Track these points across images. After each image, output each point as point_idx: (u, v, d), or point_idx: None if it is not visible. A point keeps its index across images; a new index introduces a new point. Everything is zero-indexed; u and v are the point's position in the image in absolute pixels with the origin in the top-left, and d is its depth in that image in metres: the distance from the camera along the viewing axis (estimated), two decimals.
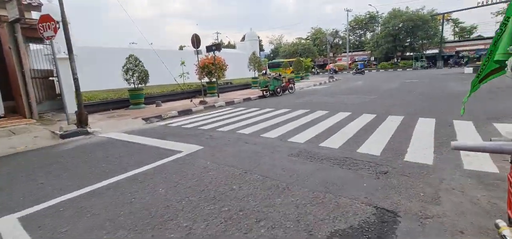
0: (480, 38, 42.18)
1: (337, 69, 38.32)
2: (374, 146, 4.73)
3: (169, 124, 8.55)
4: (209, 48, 12.84)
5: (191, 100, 12.13)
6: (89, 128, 8.06)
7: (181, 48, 35.34)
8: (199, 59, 13.73)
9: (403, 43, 41.77)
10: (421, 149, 4.43)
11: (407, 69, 36.97)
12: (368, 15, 49.90)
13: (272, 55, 63.40)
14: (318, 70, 39.79)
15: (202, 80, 14.58)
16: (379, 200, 2.86)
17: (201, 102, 12.44)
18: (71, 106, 8.95)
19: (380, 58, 43.77)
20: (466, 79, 16.32)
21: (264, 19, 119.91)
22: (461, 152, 4.11)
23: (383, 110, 8.05)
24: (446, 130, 5.48)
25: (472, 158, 3.83)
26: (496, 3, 34.08)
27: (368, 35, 52.65)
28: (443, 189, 3.02)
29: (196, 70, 14.23)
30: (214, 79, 15.32)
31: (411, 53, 41.74)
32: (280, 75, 14.72)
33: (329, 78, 24.61)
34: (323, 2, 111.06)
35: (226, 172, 3.93)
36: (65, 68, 8.99)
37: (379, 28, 45.95)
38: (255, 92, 16.42)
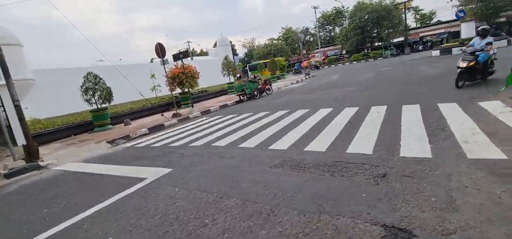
0: (440, 22, 44.71)
1: (319, 65, 38.66)
2: (364, 143, 4.25)
3: (136, 144, 7.63)
4: (176, 57, 11.98)
5: (162, 115, 11.20)
6: (41, 160, 6.96)
7: (152, 60, 33.85)
8: (168, 70, 12.84)
9: (371, 34, 43.01)
10: (414, 140, 4.00)
11: (378, 58, 38.03)
12: (334, 11, 51.13)
13: (246, 58, 62.99)
14: (300, 68, 39.76)
15: (173, 92, 13.66)
16: (386, 214, 2.32)
17: (174, 115, 11.55)
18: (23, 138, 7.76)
19: (351, 50, 44.77)
20: (435, 62, 16.74)
21: (235, 24, 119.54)
22: (458, 139, 3.73)
23: (365, 101, 7.72)
24: (434, 115, 5.16)
25: (472, 145, 3.45)
26: None
27: (337, 29, 53.88)
28: (455, 189, 2.54)
29: (166, 81, 13.30)
30: (187, 89, 14.43)
31: (380, 43, 43.13)
32: (255, 77, 14.16)
33: (306, 75, 24.51)
34: (290, 2, 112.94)
35: (198, 199, 3.23)
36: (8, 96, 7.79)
37: (347, 22, 47.11)
38: (232, 98, 15.74)
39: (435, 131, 4.25)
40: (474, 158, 3.11)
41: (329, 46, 53.88)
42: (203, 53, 61.10)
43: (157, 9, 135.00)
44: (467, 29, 23.14)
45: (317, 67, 37.29)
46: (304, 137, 5.20)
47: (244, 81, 13.86)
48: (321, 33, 54.16)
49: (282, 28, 55.12)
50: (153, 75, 17.42)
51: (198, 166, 4.54)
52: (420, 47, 40.00)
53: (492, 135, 3.63)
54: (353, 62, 38.24)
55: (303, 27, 53.65)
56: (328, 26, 55.59)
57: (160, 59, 11.43)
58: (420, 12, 51.97)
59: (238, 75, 16.66)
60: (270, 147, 4.89)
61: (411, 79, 10.82)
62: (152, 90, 16.97)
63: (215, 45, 51.40)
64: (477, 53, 7.03)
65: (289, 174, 3.54)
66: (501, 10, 31.77)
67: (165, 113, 12.39)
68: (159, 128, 9.89)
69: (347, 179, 3.12)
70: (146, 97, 13.13)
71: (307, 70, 25.39)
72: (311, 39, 53.88)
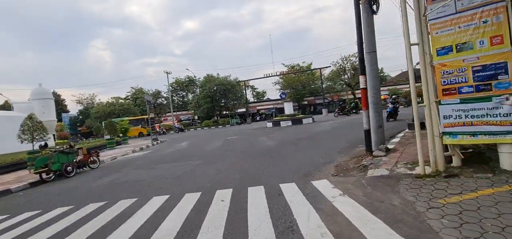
0: (269, 100, 56.94)
1: (183, 128, 39.45)
2: None
3: None
4: None
5: None
6: None
7: None
8: None
9: (219, 104, 47.23)
10: None
11: (226, 125, 41.45)
12: (187, 79, 53.38)
13: (80, 117, 51.60)
14: (163, 130, 37.83)
15: None
16: None
17: None
18: None
19: (203, 117, 46.76)
20: (270, 133, 19.29)
21: (74, 76, 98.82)
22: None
23: (209, 182, 6.56)
24: (278, 201, 4.58)
25: None
26: (273, 76, 47.71)
27: (190, 96, 55.79)
28: None
29: None
30: None
31: (227, 112, 47.98)
32: (71, 146, 10.23)
33: (153, 140, 21.80)
34: (143, 64, 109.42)
35: None
36: None
37: (198, 90, 49.86)
38: (28, 176, 10.54)
39: (283, 233, 3.42)
40: None
41: (182, 111, 54.10)
42: (6, 107, 44.31)
43: None
44: (288, 107, 29.71)
45: (181, 130, 38.15)
46: None
47: (50, 151, 9.61)
48: (175, 98, 54.03)
49: (132, 87, 50.47)
50: None
51: None
52: (258, 118, 47.75)
53: (340, 237, 3.13)
54: (205, 128, 39.48)
55: (155, 89, 51.65)
56: (182, 91, 56.64)
57: None
58: (256, 90, 64.19)
59: (43, 143, 11.68)
60: None
61: (253, 151, 11.12)
62: None
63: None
64: None
65: None
66: (304, 96, 45.07)
67: None
68: None
69: None
70: None
71: (154, 135, 22.85)
72: (164, 102, 52.43)
